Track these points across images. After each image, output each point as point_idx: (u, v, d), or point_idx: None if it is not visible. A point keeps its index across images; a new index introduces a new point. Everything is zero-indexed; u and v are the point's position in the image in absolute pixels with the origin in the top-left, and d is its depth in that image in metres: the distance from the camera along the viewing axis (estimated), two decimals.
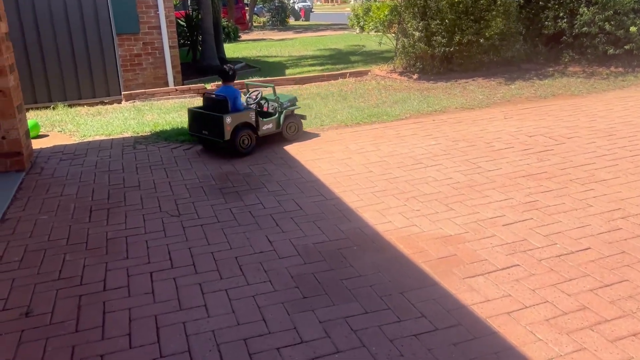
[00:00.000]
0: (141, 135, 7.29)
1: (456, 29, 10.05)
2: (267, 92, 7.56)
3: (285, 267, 3.52)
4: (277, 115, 6.37)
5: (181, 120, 8.06)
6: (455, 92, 9.15)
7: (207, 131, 6.00)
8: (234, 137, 5.87)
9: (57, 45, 9.47)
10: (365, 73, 11.56)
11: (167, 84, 11.70)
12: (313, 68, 13.97)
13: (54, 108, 9.37)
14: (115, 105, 9.73)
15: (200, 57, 14.98)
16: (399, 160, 5.68)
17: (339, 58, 15.70)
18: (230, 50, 18.84)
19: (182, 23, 16.62)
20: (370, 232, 4.01)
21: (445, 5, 9.98)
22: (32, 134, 7.29)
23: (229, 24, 23.08)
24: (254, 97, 6.48)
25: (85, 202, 4.80)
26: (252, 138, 6.08)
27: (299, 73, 13.01)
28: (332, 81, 10.99)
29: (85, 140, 7.12)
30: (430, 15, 10.16)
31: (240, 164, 5.82)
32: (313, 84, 10.90)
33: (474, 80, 10.09)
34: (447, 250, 3.68)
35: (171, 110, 8.96)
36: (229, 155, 6.07)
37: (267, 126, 6.27)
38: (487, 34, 10.08)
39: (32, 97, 9.49)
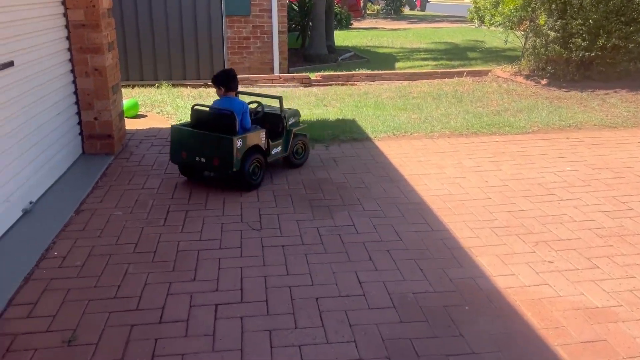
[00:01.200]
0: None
1: (601, 30, 8.63)
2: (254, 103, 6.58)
3: (376, 324, 2.80)
4: (284, 135, 4.96)
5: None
6: (592, 105, 7.82)
7: (204, 158, 4.39)
8: (243, 166, 4.39)
9: (167, 24, 9.34)
10: (484, 73, 10.42)
11: (272, 70, 11.33)
12: (426, 63, 12.98)
13: (158, 86, 9.29)
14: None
15: (308, 44, 14.50)
16: (524, 187, 4.71)
17: (455, 54, 14.52)
18: (340, 37, 18.25)
19: (294, 7, 16.25)
20: (487, 286, 3.17)
21: (589, 3, 8.59)
22: (131, 113, 7.14)
23: (342, 11, 22.47)
24: (253, 111, 4.99)
25: (165, 200, 4.37)
26: (262, 165, 4.64)
27: (410, 67, 12.10)
28: (447, 79, 9.98)
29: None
30: (571, 14, 8.81)
31: (335, 172, 5.15)
32: (424, 80, 9.96)
33: (615, 92, 8.64)
34: (592, 332, 2.76)
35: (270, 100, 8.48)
36: (317, 163, 5.42)
37: (276, 149, 4.85)
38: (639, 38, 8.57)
39: (139, 74, 9.47)
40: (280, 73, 10.84)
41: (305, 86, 9.72)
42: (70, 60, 5.17)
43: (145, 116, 7.31)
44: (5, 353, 2.52)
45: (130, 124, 6.79)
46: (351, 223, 4.01)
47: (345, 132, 6.42)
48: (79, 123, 5.38)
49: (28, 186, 4.05)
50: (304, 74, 10.07)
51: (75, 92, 5.28)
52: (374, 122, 6.90)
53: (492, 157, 5.56)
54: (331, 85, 9.80)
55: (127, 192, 4.55)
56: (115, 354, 2.54)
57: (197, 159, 4.42)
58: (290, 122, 5.04)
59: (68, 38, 5.10)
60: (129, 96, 8.31)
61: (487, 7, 10.33)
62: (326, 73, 10.14)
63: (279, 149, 4.89)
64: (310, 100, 8.40)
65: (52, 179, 4.61)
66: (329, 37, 14.96)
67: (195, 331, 2.72)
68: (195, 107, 4.59)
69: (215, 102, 4.64)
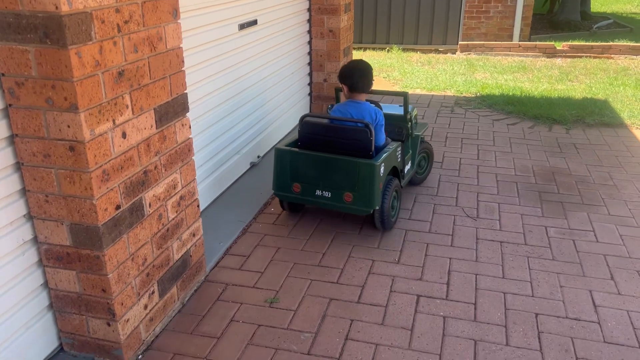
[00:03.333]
0: (464, 97, 6.38)
1: None
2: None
3: None
4: (410, 143, 3.68)
5: (514, 85, 6.80)
6: None
7: (329, 192, 3.18)
8: (384, 200, 3.17)
9: None
10: None
11: (510, 38, 10.33)
12: None
13: (388, 50, 9.21)
14: (448, 55, 8.99)
15: (558, 8, 12.86)
16: None
17: None
18: (598, 2, 15.84)
19: None
20: None
21: None
22: None
23: None
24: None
25: None
26: (399, 193, 3.45)
27: None
28: None
29: None
30: None
31: (575, 161, 4.39)
32: None
33: None
34: None
35: (506, 70, 7.72)
36: (544, 149, 4.67)
37: (407, 167, 3.63)
38: None
39: (372, 36, 9.50)
40: (520, 41, 9.81)
41: (548, 57, 8.62)
42: (309, 20, 5.29)
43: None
44: (216, 301, 2.66)
45: None
46: (590, 228, 3.34)
47: (593, 115, 5.47)
48: (310, 84, 5.53)
49: (257, 141, 4.28)
50: (548, 42, 8.93)
51: (310, 53, 5.41)
52: (633, 106, 5.75)
53: None
54: (580, 57, 8.52)
55: None
56: (311, 325, 2.49)
57: (318, 193, 3.22)
58: (413, 125, 3.76)
59: None
60: (358, 58, 8.37)
61: None
62: (576, 43, 8.84)
63: (409, 165, 3.67)
64: (552, 74, 7.40)
65: (280, 136, 4.84)
66: (585, 1, 13.05)
67: (393, 321, 2.52)
68: (307, 119, 3.27)
69: (336, 107, 3.34)
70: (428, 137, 4.92)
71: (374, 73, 7.56)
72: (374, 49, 9.41)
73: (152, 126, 2.25)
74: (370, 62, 8.16)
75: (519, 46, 8.89)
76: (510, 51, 8.89)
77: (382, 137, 3.29)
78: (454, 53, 9.13)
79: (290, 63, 4.94)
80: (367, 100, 3.37)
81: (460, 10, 9.14)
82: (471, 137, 4.99)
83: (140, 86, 2.14)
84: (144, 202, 2.25)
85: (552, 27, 12.07)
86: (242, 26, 3.81)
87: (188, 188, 2.59)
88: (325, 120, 3.24)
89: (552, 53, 8.70)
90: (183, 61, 2.44)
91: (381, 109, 3.43)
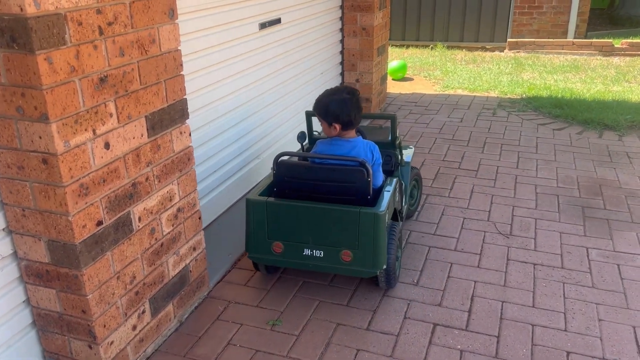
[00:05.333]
0: (508, 98, 5.99)
1: None
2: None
3: None
4: (400, 173, 3.08)
5: (564, 86, 6.34)
6: None
7: (321, 251, 2.50)
8: (389, 256, 2.53)
9: None
10: None
11: (565, 34, 9.73)
12: None
13: (432, 48, 8.85)
14: (496, 53, 8.54)
15: (619, 3, 12.06)
16: None
17: None
18: None
19: None
20: None
21: None
22: (397, 75, 6.89)
23: None
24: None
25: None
26: (401, 240, 2.85)
27: None
28: None
29: (445, 93, 6.28)
30: None
31: (626, 173, 3.98)
32: None
33: None
34: None
35: (557, 69, 7.23)
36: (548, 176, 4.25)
37: (401, 204, 2.98)
38: None
39: (416, 34, 9.15)
40: (574, 38, 9.21)
41: (605, 55, 8.04)
42: (341, 18, 5.06)
43: (412, 79, 6.97)
44: (215, 320, 2.50)
45: (394, 87, 6.54)
46: (639, 251, 2.98)
47: None
48: (342, 84, 5.31)
49: (278, 145, 4.10)
50: (605, 40, 8.32)
51: (342, 52, 5.18)
52: None
53: None
54: None
55: None
56: (313, 353, 2.28)
57: (307, 252, 2.52)
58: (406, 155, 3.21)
59: None
60: (400, 57, 8.07)
61: None
62: (636, 40, 8.20)
63: (404, 199, 3.05)
64: (607, 74, 6.87)
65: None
66: None
67: (403, 353, 2.28)
68: (284, 160, 2.61)
69: (320, 144, 2.68)
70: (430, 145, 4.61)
71: (414, 72, 7.31)
72: (417, 46, 9.07)
73: (142, 135, 2.10)
74: (412, 60, 7.77)
75: (573, 44, 8.34)
76: (562, 49, 8.35)
77: (380, 177, 2.68)
78: (502, 51, 8.67)
79: (320, 63, 4.72)
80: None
81: (509, 5, 8.65)
82: (512, 142, 4.64)
83: (128, 92, 1.99)
84: (132, 216, 2.10)
85: (611, 22, 11.33)
86: (264, 25, 3.63)
87: (187, 199, 2.43)
88: (307, 162, 2.64)
89: (609, 51, 8.10)
90: (182, 65, 2.28)
91: (363, 134, 2.81)
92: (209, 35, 3.08)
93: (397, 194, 2.77)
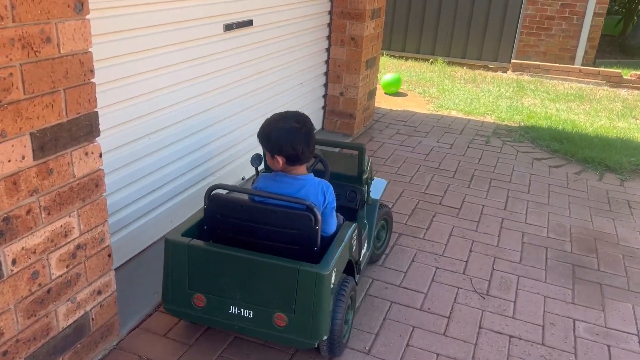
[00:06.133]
0: (505, 125, 5.56)
1: None
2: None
3: None
4: (365, 212, 2.64)
5: (567, 116, 5.92)
6: None
7: (252, 310, 2.03)
8: (334, 322, 2.07)
9: None
10: None
11: (572, 60, 9.33)
12: None
13: (432, 62, 8.42)
14: (498, 74, 8.11)
15: (631, 31, 11.66)
16: None
17: None
18: None
19: None
20: None
21: None
22: (391, 89, 6.47)
23: None
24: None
25: (396, 226, 3.49)
26: (353, 301, 2.33)
27: None
28: None
29: (438, 113, 5.84)
30: None
31: (626, 225, 3.55)
32: None
33: None
34: None
35: (561, 97, 6.81)
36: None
37: (363, 251, 2.55)
38: None
39: (416, 46, 8.72)
40: (582, 64, 8.80)
41: (612, 86, 7.62)
42: (329, 25, 4.62)
43: (405, 95, 6.54)
44: None
45: (386, 102, 6.11)
46: (634, 330, 2.54)
47: None
48: (324, 96, 4.87)
49: (242, 160, 3.65)
50: (614, 69, 7.91)
51: (327, 62, 4.75)
52: None
53: None
54: None
55: None
56: None
57: (233, 310, 2.05)
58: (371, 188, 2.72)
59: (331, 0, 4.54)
60: (398, 70, 7.65)
61: None
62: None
63: (365, 247, 2.57)
64: (614, 107, 6.45)
65: None
66: None
67: None
68: (217, 193, 2.13)
69: (262, 178, 2.22)
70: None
71: (409, 87, 6.87)
72: (416, 59, 8.64)
73: (24, 157, 1.65)
74: (409, 74, 7.27)
75: (580, 71, 7.92)
76: (568, 75, 7.93)
77: (333, 224, 2.21)
78: (505, 72, 8.25)
79: (299, 72, 4.29)
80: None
81: (517, 24, 8.23)
82: (503, 178, 4.21)
83: (2, 104, 1.55)
84: (1, 259, 1.65)
85: (622, 51, 10.93)
86: (230, 27, 3.19)
87: (92, 234, 1.99)
88: (246, 197, 2.16)
89: (617, 82, 7.68)
90: (92, 71, 1.83)
91: (325, 166, 2.41)
92: (152, 35, 2.63)
93: (355, 243, 2.32)
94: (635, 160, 4.61)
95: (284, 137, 2.06)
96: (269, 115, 2.19)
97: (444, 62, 8.43)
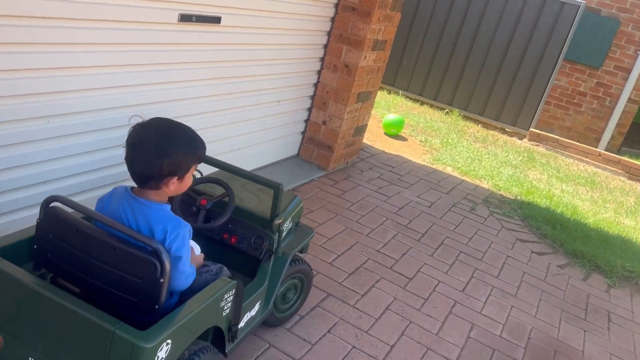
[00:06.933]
0: (499, 195, 5.06)
1: None
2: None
3: None
4: (271, 264, 2.16)
5: (569, 200, 5.38)
6: None
7: None
8: None
9: (488, 49, 7.83)
10: None
11: (597, 142, 8.84)
12: None
13: (447, 112, 7.97)
14: (513, 139, 7.63)
15: None
16: None
17: None
18: None
19: None
20: None
21: None
22: (391, 131, 6.04)
23: None
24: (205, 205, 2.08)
25: (327, 284, 3.00)
26: None
27: None
28: None
29: (432, 166, 5.37)
30: None
31: (598, 342, 3.01)
32: None
33: None
34: None
35: (571, 178, 6.28)
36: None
37: (250, 313, 1.99)
38: None
39: (435, 93, 8.29)
40: (605, 149, 8.28)
41: (630, 178, 7.07)
42: (325, 46, 4.22)
43: (405, 140, 6.09)
44: None
45: (381, 143, 5.67)
46: None
47: None
48: (306, 120, 4.44)
49: None
50: (636, 161, 7.37)
51: (316, 85, 4.33)
52: None
53: None
54: None
55: None
56: None
57: None
58: (285, 236, 2.24)
59: (333, 20, 4.14)
60: (406, 112, 7.22)
61: None
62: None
63: (256, 309, 2.04)
64: (625, 201, 5.90)
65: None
66: None
67: None
68: (55, 206, 1.64)
69: (113, 194, 1.71)
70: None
71: (411, 132, 6.43)
72: (432, 105, 8.20)
73: None
74: (417, 119, 6.79)
75: (599, 155, 7.39)
76: (587, 157, 7.40)
77: (179, 279, 1.63)
78: (521, 139, 7.75)
79: (278, 88, 3.87)
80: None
81: (543, 92, 7.75)
82: (474, 254, 3.70)
83: None
84: None
85: None
86: (188, 18, 2.79)
87: None
88: (82, 217, 1.66)
89: (636, 175, 7.13)
90: None
91: (231, 197, 2.04)
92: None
93: (229, 306, 1.81)
94: (629, 267, 4.06)
95: (135, 148, 1.58)
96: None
97: (460, 115, 7.97)
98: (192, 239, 1.71)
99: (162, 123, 1.64)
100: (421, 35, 8.18)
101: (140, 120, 1.60)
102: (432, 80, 8.28)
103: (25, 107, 2.21)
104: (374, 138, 5.77)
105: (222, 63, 3.21)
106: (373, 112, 6.78)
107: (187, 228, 1.65)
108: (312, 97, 4.36)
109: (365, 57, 4.16)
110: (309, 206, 3.68)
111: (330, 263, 3.07)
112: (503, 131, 7.91)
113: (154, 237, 1.59)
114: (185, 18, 2.78)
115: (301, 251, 2.44)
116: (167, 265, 1.52)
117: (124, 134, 1.65)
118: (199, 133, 1.74)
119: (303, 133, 4.47)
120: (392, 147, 5.64)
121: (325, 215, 3.63)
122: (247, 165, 3.85)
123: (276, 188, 2.08)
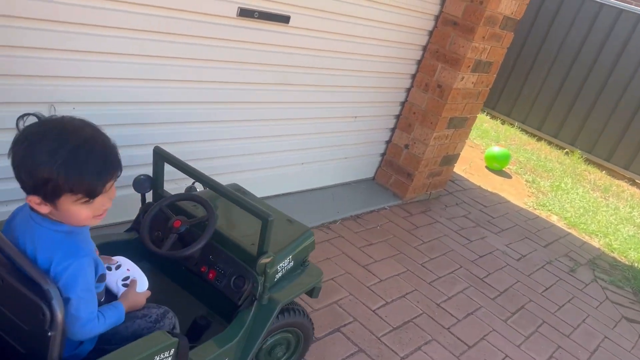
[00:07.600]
0: (610, 258, 4.23)
1: None
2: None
3: None
4: (252, 312, 1.64)
5: None
6: None
7: None
8: None
9: (627, 86, 6.79)
10: None
11: None
12: None
13: (567, 153, 7.05)
14: None
15: None
16: None
17: None
18: None
19: None
20: None
21: None
22: (493, 165, 5.40)
23: None
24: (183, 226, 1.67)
25: (362, 336, 2.57)
26: None
27: None
28: None
29: (534, 212, 4.65)
30: None
31: None
32: None
33: None
34: None
35: None
36: None
37: None
38: None
39: (556, 130, 7.38)
40: None
41: None
42: (419, 62, 3.76)
43: (509, 177, 5.39)
44: None
45: (480, 177, 5.06)
46: None
47: None
48: (387, 142, 4.01)
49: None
50: None
51: (403, 104, 3.89)
52: None
53: None
54: None
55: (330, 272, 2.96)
56: None
57: None
58: (278, 280, 1.80)
59: (430, 33, 3.68)
60: (517, 146, 6.47)
61: None
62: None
63: None
64: None
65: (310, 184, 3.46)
66: None
67: None
68: None
69: (18, 216, 1.32)
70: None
71: (518, 169, 5.73)
72: (550, 143, 7.30)
73: None
74: (528, 155, 6.23)
75: None
76: None
77: (83, 326, 1.25)
78: None
79: (354, 103, 3.50)
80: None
81: None
82: (560, 328, 3.02)
83: None
84: None
85: None
86: (249, 14, 2.52)
87: None
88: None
89: None
90: None
91: (213, 218, 1.66)
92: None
93: None
94: None
95: (30, 152, 1.17)
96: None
97: (582, 157, 7.00)
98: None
99: (74, 130, 1.23)
100: (548, 64, 7.34)
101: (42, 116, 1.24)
102: (554, 114, 7.38)
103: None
104: (473, 171, 5.16)
105: (288, 68, 2.91)
106: (478, 141, 6.15)
107: (83, 260, 1.24)
108: (397, 117, 3.93)
109: (463, 78, 3.64)
110: (369, 238, 3.24)
111: (373, 311, 2.61)
112: (632, 182, 6.81)
113: (50, 267, 1.21)
114: (245, 13, 2.50)
115: (310, 294, 1.99)
116: (59, 315, 1.15)
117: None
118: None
119: (382, 155, 4.04)
120: (490, 184, 5.00)
121: (385, 252, 3.17)
122: (308, 183, 3.52)
123: (264, 219, 1.63)
